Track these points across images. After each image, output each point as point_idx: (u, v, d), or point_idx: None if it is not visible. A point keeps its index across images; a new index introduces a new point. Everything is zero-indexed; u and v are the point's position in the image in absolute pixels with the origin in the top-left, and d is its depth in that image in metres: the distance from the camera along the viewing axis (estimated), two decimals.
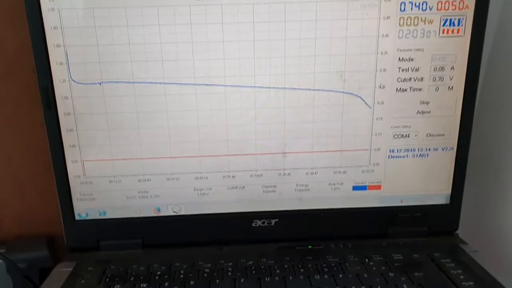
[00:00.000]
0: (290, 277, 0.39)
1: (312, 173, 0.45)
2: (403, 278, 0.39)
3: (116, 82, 0.41)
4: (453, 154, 0.44)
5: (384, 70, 0.42)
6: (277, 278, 0.39)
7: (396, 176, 0.45)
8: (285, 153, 0.44)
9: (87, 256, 0.44)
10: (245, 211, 0.46)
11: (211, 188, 0.45)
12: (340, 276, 0.39)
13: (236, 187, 0.45)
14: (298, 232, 0.46)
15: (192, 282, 0.39)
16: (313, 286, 0.38)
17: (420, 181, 0.45)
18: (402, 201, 0.46)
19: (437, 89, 0.43)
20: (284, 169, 0.45)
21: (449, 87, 0.43)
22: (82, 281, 0.40)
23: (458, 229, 0.47)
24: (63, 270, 0.42)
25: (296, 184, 0.45)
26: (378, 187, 0.45)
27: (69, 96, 0.41)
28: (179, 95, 0.42)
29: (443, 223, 0.46)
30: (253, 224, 0.46)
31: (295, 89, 0.42)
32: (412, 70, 0.42)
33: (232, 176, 0.45)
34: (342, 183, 0.45)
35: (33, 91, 0.41)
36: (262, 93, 0.42)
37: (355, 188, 0.45)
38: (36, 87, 0.41)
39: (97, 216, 0.45)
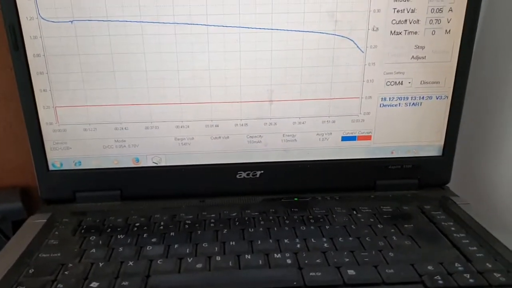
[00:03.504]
0: (275, 228, 0.38)
1: (299, 123, 0.43)
2: (392, 230, 0.38)
3: (89, 20, 0.38)
4: (447, 103, 0.42)
5: (378, 11, 0.39)
6: (261, 229, 0.38)
7: (387, 126, 0.43)
8: (271, 101, 0.42)
9: (63, 208, 0.42)
10: (229, 162, 0.43)
11: (193, 138, 0.43)
12: (327, 227, 0.38)
13: (220, 137, 0.43)
14: (284, 184, 0.44)
15: (172, 233, 0.37)
16: (298, 237, 0.37)
17: (412, 132, 0.43)
18: (392, 153, 0.44)
19: (433, 33, 0.40)
20: (270, 118, 0.42)
21: (446, 30, 0.40)
22: (56, 233, 0.38)
23: (450, 182, 0.45)
24: (36, 222, 0.40)
25: (283, 134, 0.43)
26: (368, 138, 0.43)
27: (38, 36, 0.38)
28: (157, 35, 0.38)
29: (434, 176, 0.45)
30: (237, 176, 0.44)
31: (283, 30, 0.39)
32: (408, 12, 0.39)
33: (216, 125, 0.42)
34: (330, 133, 0.43)
35: None
36: (247, 34, 0.39)
37: (344, 138, 0.43)
38: (2, 25, 0.37)
39: (72, 167, 0.43)
